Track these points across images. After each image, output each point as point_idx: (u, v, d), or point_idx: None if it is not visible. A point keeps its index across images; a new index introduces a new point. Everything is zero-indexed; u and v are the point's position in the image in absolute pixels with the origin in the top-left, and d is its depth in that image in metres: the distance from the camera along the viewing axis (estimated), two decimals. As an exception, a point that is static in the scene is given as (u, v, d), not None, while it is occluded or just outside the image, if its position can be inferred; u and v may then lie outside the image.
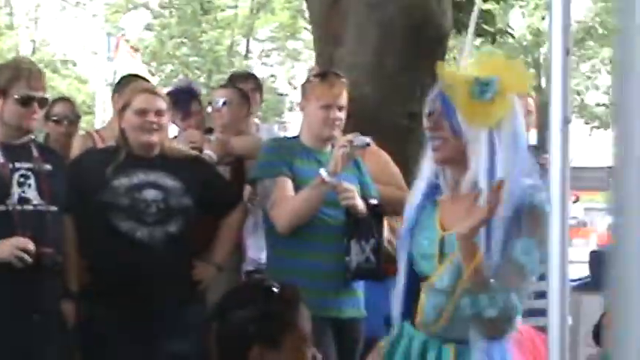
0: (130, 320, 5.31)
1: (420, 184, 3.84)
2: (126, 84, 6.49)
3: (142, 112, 5.50)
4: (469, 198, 3.63)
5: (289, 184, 5.46)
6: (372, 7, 7.06)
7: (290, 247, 5.50)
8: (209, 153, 6.38)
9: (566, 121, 2.44)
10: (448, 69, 3.89)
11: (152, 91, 5.78)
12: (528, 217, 3.58)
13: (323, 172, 5.33)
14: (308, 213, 5.41)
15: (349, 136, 5.39)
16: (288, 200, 5.44)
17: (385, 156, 6.05)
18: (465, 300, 3.50)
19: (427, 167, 3.81)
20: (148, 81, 7.32)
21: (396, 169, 6.04)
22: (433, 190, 3.82)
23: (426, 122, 3.72)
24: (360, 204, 5.40)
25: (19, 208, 5.17)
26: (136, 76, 7.91)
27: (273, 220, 5.59)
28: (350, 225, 5.43)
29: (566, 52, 2.44)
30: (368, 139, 5.45)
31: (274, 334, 3.08)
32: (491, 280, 3.50)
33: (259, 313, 3.09)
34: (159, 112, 5.53)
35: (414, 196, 3.87)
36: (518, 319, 3.63)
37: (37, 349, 5.15)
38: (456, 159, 3.68)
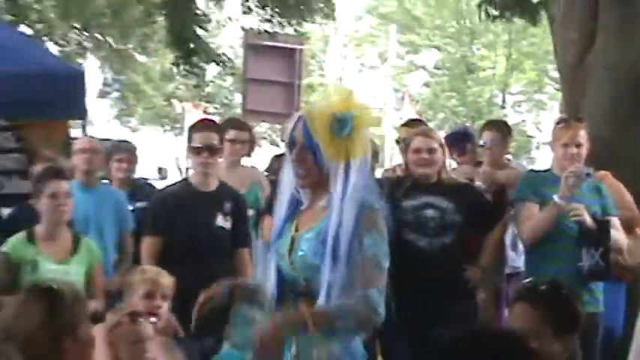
0: (415, 309, 5.31)
1: (283, 199, 3.61)
2: (406, 125, 6.66)
3: (417, 151, 5.60)
4: (321, 208, 3.48)
5: (534, 207, 5.45)
6: (608, 69, 7.02)
7: (539, 255, 5.49)
8: (479, 183, 6.47)
9: None
10: (309, 106, 3.70)
11: (426, 134, 5.83)
12: (369, 216, 3.38)
13: (555, 197, 5.32)
14: (544, 229, 5.40)
15: (573, 168, 5.35)
16: (530, 219, 5.45)
17: (621, 186, 5.94)
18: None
19: (288, 185, 3.57)
20: (425, 124, 7.45)
21: (629, 197, 5.93)
22: (295, 203, 3.59)
23: (288, 153, 3.50)
24: (587, 219, 5.31)
25: None
26: (417, 120, 8.08)
27: (519, 235, 5.68)
28: (581, 236, 5.35)
29: None
30: (588, 170, 5.38)
31: None
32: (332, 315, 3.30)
33: None
34: (431, 150, 5.59)
35: (282, 209, 3.62)
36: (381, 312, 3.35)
37: None
38: (318, 184, 3.48)
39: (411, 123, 7.34)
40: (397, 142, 7.20)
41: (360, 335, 3.48)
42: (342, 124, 3.39)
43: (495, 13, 10.32)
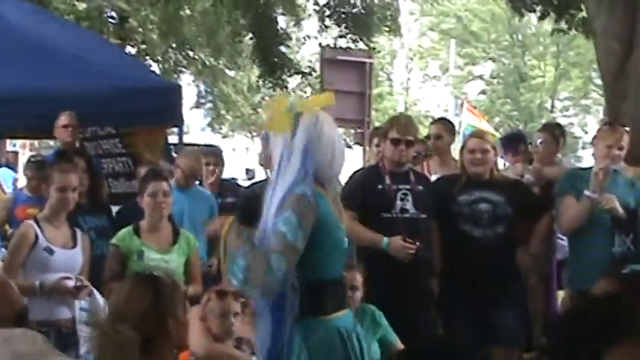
0: (471, 293, 5.35)
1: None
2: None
3: (472, 151, 5.57)
4: None
5: (571, 200, 5.38)
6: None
7: (579, 243, 5.46)
8: (528, 177, 6.44)
9: None
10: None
11: (479, 136, 5.84)
12: (289, 199, 3.30)
13: (586, 191, 5.26)
14: (579, 220, 5.34)
15: (601, 165, 5.27)
16: (568, 211, 5.40)
17: None
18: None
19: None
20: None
21: None
22: None
23: (259, 158, 3.57)
24: (618, 209, 5.22)
25: (400, 215, 5.29)
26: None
27: (559, 225, 5.65)
28: (613, 224, 5.28)
29: None
30: (614, 167, 5.31)
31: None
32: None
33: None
34: (484, 151, 5.55)
35: None
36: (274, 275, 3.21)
37: (413, 313, 5.17)
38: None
39: (437, 122, 7.51)
40: (427, 137, 7.17)
41: (255, 287, 3.30)
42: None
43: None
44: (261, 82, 17.89)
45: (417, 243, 5.15)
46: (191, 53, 19.44)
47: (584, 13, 9.98)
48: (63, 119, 6.94)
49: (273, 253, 3.23)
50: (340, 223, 3.49)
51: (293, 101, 3.55)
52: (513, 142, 7.47)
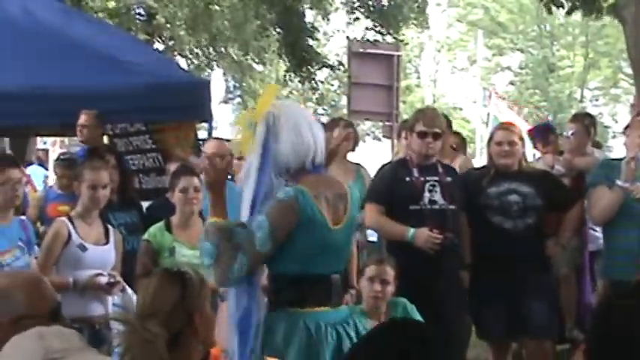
0: (502, 284, 5.32)
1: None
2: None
3: (499, 144, 5.54)
4: None
5: (604, 190, 5.32)
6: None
7: (612, 233, 5.40)
8: (558, 168, 6.40)
9: None
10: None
11: (506, 128, 5.79)
12: (267, 202, 3.42)
13: (618, 181, 5.22)
14: (611, 210, 5.29)
15: (632, 154, 5.24)
16: (599, 202, 5.34)
17: None
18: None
19: None
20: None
21: None
22: None
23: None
24: None
25: (428, 207, 5.26)
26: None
27: (591, 216, 5.60)
28: None
29: None
30: None
31: None
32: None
33: None
34: (511, 143, 5.51)
35: None
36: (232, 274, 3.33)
37: (443, 305, 5.14)
38: None
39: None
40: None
41: (221, 279, 3.41)
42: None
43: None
44: (288, 77, 17.91)
45: (445, 234, 5.13)
46: (219, 49, 19.48)
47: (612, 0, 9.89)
48: (80, 118, 7.02)
49: (240, 252, 3.34)
50: (327, 222, 3.46)
51: (249, 115, 3.62)
52: (543, 133, 7.48)
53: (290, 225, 3.37)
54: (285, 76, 18.67)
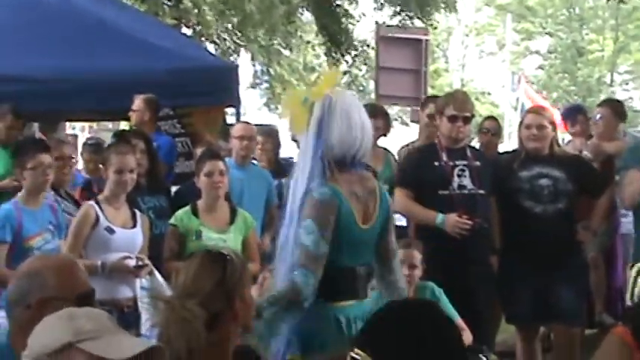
0: (531, 269, 5.29)
1: None
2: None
3: (528, 127, 5.48)
4: None
5: (635, 174, 5.17)
6: None
7: None
8: (586, 153, 6.33)
9: None
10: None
11: (536, 112, 5.74)
12: (308, 204, 3.35)
13: None
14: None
15: None
16: (630, 186, 5.20)
17: None
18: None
19: None
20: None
21: None
22: None
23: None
24: None
25: (457, 192, 5.24)
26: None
27: (621, 200, 5.50)
28: None
29: None
30: None
31: None
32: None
33: None
34: (540, 127, 5.43)
35: None
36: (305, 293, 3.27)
37: (473, 289, 5.17)
38: None
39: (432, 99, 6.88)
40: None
41: (292, 316, 3.35)
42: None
43: None
44: (320, 60, 17.83)
45: (474, 219, 5.09)
46: (247, 33, 19.46)
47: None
48: (134, 103, 7.03)
49: (298, 268, 3.30)
50: (356, 219, 3.46)
51: (306, 93, 3.56)
52: (571, 112, 7.50)
53: (333, 223, 3.37)
54: (312, 61, 18.58)
